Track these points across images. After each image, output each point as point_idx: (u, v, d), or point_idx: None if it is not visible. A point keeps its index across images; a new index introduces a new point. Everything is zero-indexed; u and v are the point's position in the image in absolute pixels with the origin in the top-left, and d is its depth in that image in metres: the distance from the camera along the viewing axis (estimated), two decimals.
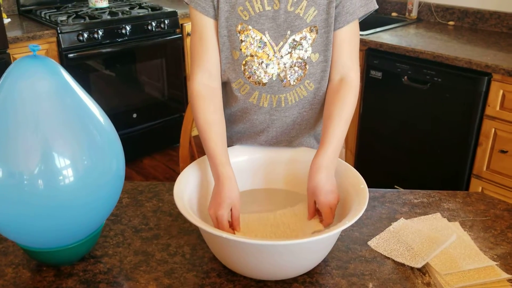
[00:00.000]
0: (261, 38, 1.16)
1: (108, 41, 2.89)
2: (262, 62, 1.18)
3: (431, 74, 2.34)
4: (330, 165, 1.10)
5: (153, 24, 3.04)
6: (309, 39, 1.16)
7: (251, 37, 1.16)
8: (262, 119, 1.26)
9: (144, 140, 3.30)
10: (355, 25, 1.19)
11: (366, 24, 2.94)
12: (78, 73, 2.78)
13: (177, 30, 3.19)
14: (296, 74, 1.19)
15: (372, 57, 2.57)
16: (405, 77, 2.45)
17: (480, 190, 2.33)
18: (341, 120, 1.15)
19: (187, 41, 3.28)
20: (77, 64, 2.79)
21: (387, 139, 2.66)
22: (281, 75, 1.19)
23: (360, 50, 2.59)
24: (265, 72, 1.18)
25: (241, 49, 1.17)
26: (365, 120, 2.74)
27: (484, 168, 2.29)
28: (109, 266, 1.02)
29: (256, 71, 1.19)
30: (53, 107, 0.87)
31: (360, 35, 2.61)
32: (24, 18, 3.03)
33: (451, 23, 2.86)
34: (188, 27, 3.26)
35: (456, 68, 2.26)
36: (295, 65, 1.18)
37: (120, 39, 2.93)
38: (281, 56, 1.17)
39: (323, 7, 1.15)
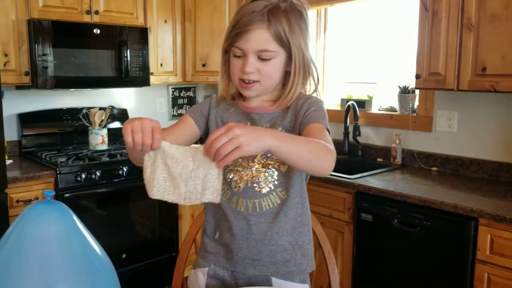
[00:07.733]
0: None
1: (104, 181, 2.96)
2: (239, 169, 1.32)
3: (420, 217, 2.39)
4: (271, 131, 1.07)
5: None
6: None
7: None
8: (241, 224, 1.34)
9: (134, 281, 3.19)
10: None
11: (353, 168, 3.08)
12: None
13: None
14: (267, 180, 1.31)
15: (362, 200, 2.64)
16: (395, 220, 2.49)
17: None
18: (307, 139, 1.13)
19: None
20: (71, 203, 2.79)
21: (382, 282, 2.62)
22: (255, 180, 1.31)
23: (349, 193, 2.70)
24: (241, 177, 1.32)
25: None
26: (359, 262, 2.72)
27: None
28: None
29: (235, 177, 1.33)
30: (60, 252, 0.89)
31: (348, 178, 2.73)
32: (24, 159, 3.12)
33: (434, 168, 3.00)
34: None
35: (443, 212, 2.32)
36: (265, 172, 1.31)
37: (117, 180, 3.01)
38: (254, 164, 1.31)
39: (289, 129, 1.30)
